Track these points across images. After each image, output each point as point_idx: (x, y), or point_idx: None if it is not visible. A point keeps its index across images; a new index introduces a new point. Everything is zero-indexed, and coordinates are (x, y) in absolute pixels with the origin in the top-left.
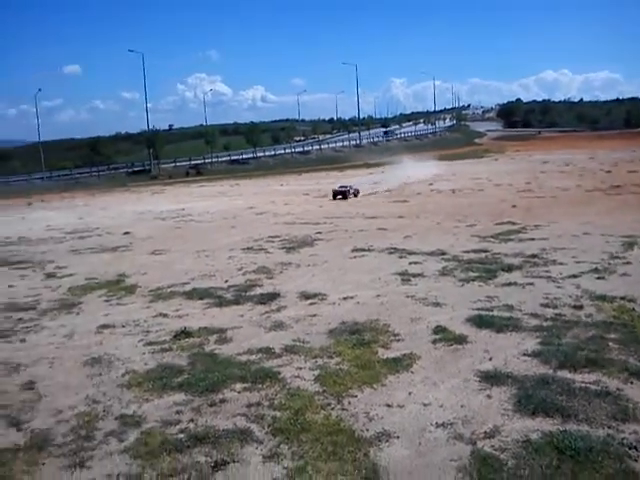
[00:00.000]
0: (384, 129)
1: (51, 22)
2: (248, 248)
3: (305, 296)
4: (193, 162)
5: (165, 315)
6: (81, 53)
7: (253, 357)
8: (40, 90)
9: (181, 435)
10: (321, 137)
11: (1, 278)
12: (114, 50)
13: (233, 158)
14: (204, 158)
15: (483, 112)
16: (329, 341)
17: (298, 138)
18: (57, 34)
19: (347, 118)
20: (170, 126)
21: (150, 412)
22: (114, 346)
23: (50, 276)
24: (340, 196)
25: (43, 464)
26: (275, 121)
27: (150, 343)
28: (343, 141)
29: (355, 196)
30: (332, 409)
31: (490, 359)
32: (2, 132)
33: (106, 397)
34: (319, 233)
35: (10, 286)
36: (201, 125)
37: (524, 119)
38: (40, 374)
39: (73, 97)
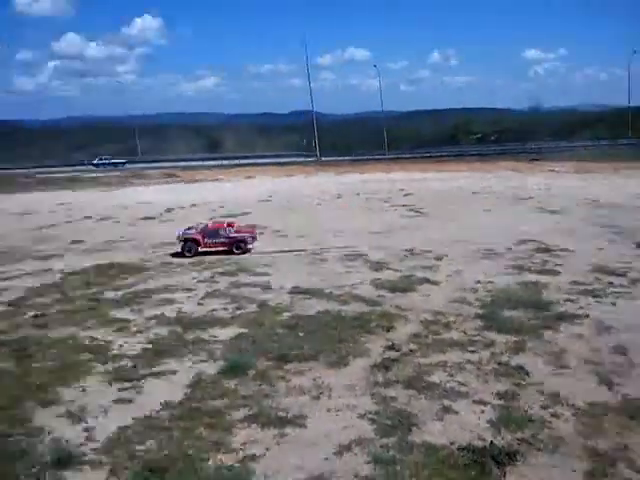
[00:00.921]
0: None
1: None
2: None
3: None
4: None
5: None
6: None
7: None
8: (635, 52)
9: None
10: None
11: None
12: None
13: None
14: None
15: None
16: None
17: None
18: None
19: None
20: None
21: None
22: None
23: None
24: (189, 248)
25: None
26: None
27: None
28: None
29: (241, 249)
30: None
31: None
32: (618, 96)
33: None
34: None
35: (599, 249)
36: None
37: None
38: (632, 341)
39: None
